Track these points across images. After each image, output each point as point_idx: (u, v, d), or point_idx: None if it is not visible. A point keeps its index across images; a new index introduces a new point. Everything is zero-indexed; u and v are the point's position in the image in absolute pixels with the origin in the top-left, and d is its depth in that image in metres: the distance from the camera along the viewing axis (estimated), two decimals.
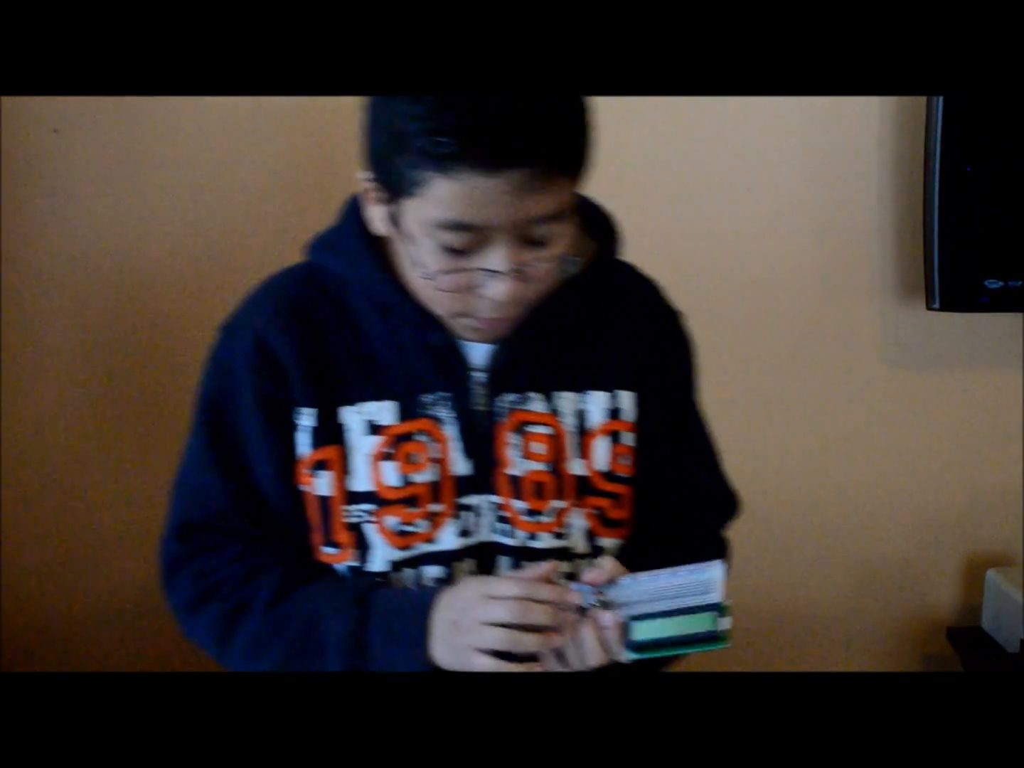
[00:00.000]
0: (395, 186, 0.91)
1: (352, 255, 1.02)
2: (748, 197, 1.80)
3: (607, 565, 0.97)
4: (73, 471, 1.74)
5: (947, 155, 1.68)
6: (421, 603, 0.96)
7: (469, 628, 0.93)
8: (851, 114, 1.79)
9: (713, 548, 1.11)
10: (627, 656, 0.94)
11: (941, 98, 1.67)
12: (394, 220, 0.95)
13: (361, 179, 0.97)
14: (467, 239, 0.90)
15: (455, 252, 0.91)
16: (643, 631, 0.94)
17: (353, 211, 1.03)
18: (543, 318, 1.01)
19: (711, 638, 0.92)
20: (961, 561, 1.96)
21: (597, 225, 1.06)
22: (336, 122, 1.68)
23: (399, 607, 0.97)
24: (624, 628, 0.94)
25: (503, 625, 0.92)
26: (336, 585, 1.02)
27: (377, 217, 0.98)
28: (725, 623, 0.92)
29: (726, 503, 1.17)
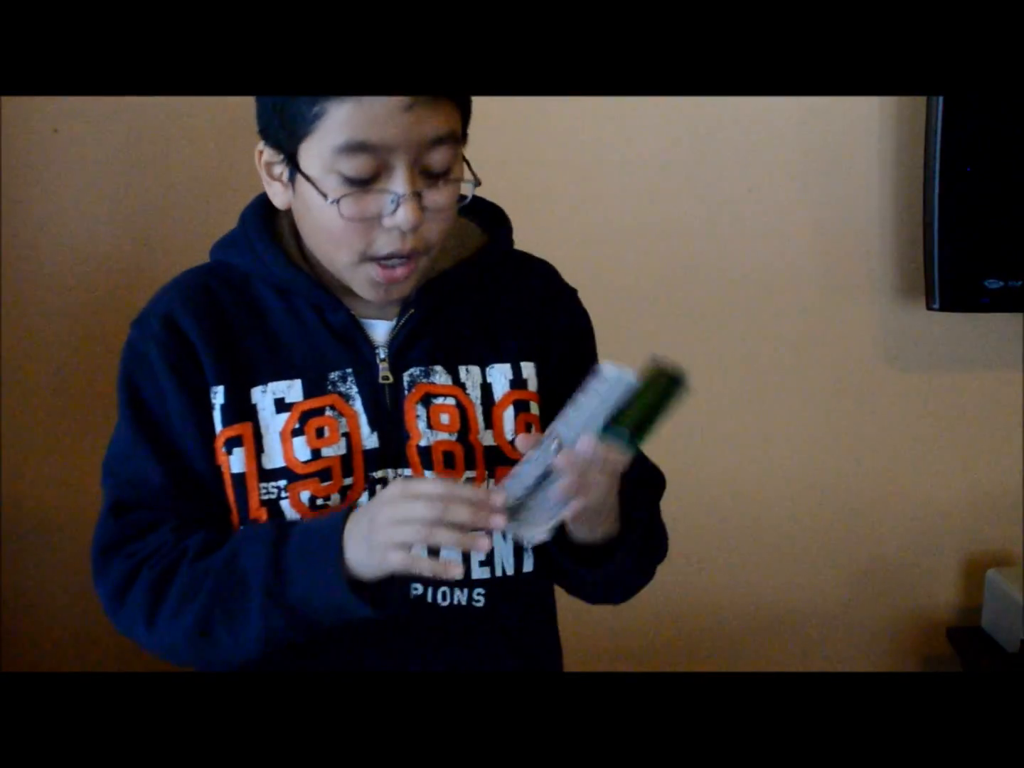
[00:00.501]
0: (292, 132, 0.96)
1: (251, 247, 1.07)
2: (748, 197, 1.80)
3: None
4: (73, 471, 1.73)
5: (947, 155, 1.68)
6: (336, 519, 0.96)
7: (385, 524, 0.92)
8: (851, 114, 1.79)
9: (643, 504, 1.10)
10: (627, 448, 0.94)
11: (941, 98, 1.67)
12: (292, 180, 0.99)
13: (258, 152, 1.03)
14: (367, 163, 0.94)
15: (357, 182, 0.95)
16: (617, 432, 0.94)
17: (249, 213, 1.10)
18: (440, 295, 1.05)
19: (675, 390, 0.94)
20: (961, 561, 1.96)
21: (487, 217, 1.11)
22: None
23: (315, 526, 0.98)
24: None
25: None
26: (256, 524, 1.02)
27: (277, 192, 1.03)
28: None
29: (653, 475, 1.17)
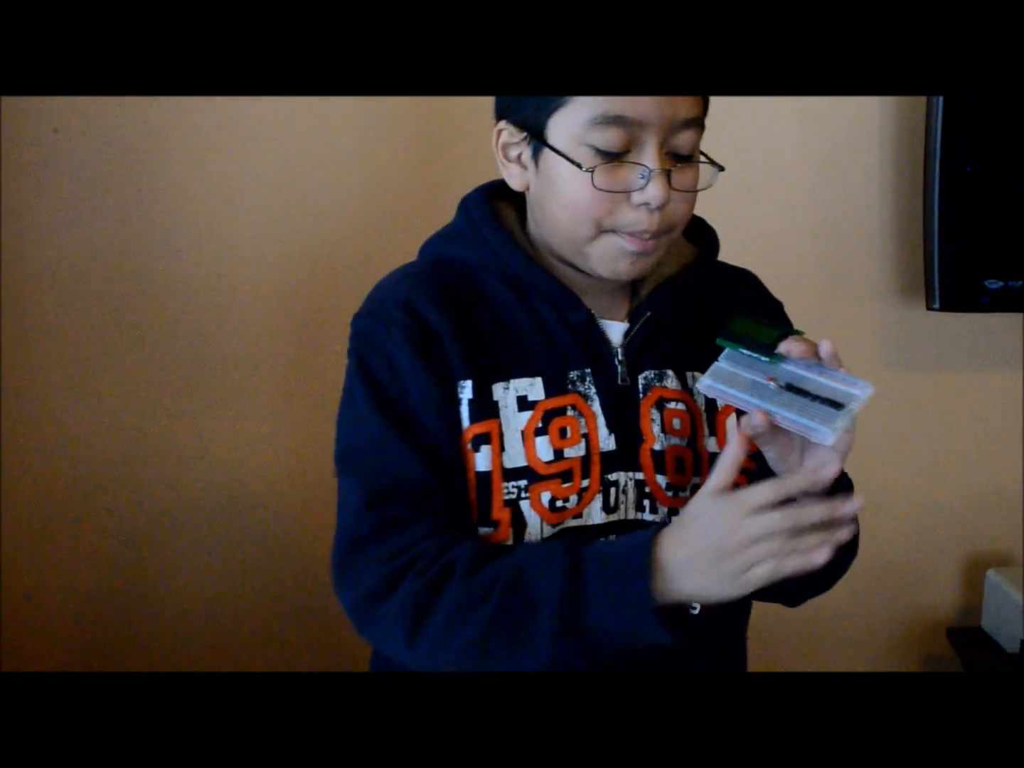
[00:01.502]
0: (542, 106, 0.97)
1: (484, 241, 1.04)
2: (748, 197, 1.80)
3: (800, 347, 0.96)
4: (73, 471, 1.73)
5: (947, 155, 1.68)
6: (639, 543, 0.92)
7: (741, 545, 0.87)
8: (851, 114, 1.79)
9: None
10: (717, 341, 0.98)
11: (941, 98, 1.67)
12: (535, 157, 0.99)
13: (496, 132, 1.02)
14: (620, 137, 0.95)
15: (608, 155, 0.95)
16: (739, 326, 0.98)
17: (472, 204, 1.07)
18: (670, 299, 1.06)
19: (767, 351, 0.95)
20: (961, 561, 1.96)
21: (695, 230, 1.11)
22: (339, 120, 1.69)
23: (614, 552, 0.93)
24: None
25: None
26: (540, 544, 0.98)
27: (514, 174, 1.02)
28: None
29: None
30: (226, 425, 1.74)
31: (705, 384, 0.97)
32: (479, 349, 1.01)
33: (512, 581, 0.93)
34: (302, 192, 1.70)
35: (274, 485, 1.76)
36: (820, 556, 0.87)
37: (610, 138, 0.95)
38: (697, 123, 0.99)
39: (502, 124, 1.02)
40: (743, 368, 0.97)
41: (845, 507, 0.88)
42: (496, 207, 1.07)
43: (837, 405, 0.93)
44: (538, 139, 0.98)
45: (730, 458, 0.92)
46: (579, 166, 0.95)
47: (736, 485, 0.92)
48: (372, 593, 0.96)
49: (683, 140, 0.98)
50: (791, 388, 0.94)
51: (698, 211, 1.81)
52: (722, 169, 1.03)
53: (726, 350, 0.98)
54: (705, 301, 1.10)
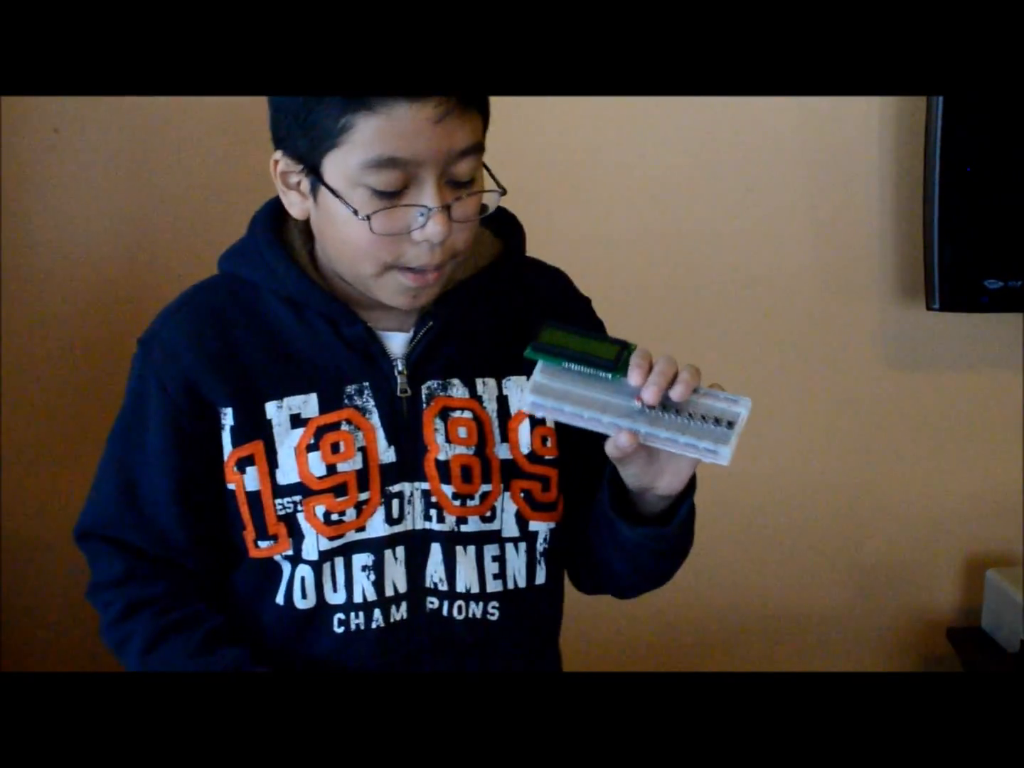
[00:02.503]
0: (316, 145, 0.95)
1: (262, 258, 1.05)
2: (748, 197, 1.80)
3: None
4: (73, 471, 1.73)
5: (947, 155, 1.68)
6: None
7: None
8: (851, 114, 1.79)
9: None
10: (528, 352, 0.95)
11: (941, 98, 1.67)
12: (314, 191, 0.98)
13: (273, 161, 1.01)
14: (396, 177, 0.93)
15: (385, 196, 0.94)
16: (549, 336, 0.95)
17: (259, 221, 1.08)
18: (458, 306, 1.04)
19: (608, 366, 0.92)
20: (961, 561, 1.96)
21: (502, 225, 1.09)
22: None
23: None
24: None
25: None
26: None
27: (294, 201, 1.01)
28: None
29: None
30: None
31: (530, 402, 0.94)
32: (246, 374, 1.03)
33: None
34: None
35: None
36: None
37: (386, 180, 0.93)
38: (476, 149, 0.96)
39: (278, 154, 1.00)
40: (575, 384, 0.93)
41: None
42: (281, 224, 1.07)
43: (720, 422, 0.92)
44: (314, 175, 0.97)
45: None
46: (355, 212, 0.94)
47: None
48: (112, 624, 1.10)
49: (462, 169, 0.96)
50: (663, 407, 0.92)
51: (699, 210, 1.80)
52: (504, 192, 1.00)
53: (540, 363, 0.95)
54: (502, 303, 1.08)
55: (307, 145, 0.96)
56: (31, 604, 1.74)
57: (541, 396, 0.94)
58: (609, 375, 0.93)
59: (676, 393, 0.92)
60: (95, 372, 1.70)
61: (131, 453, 1.06)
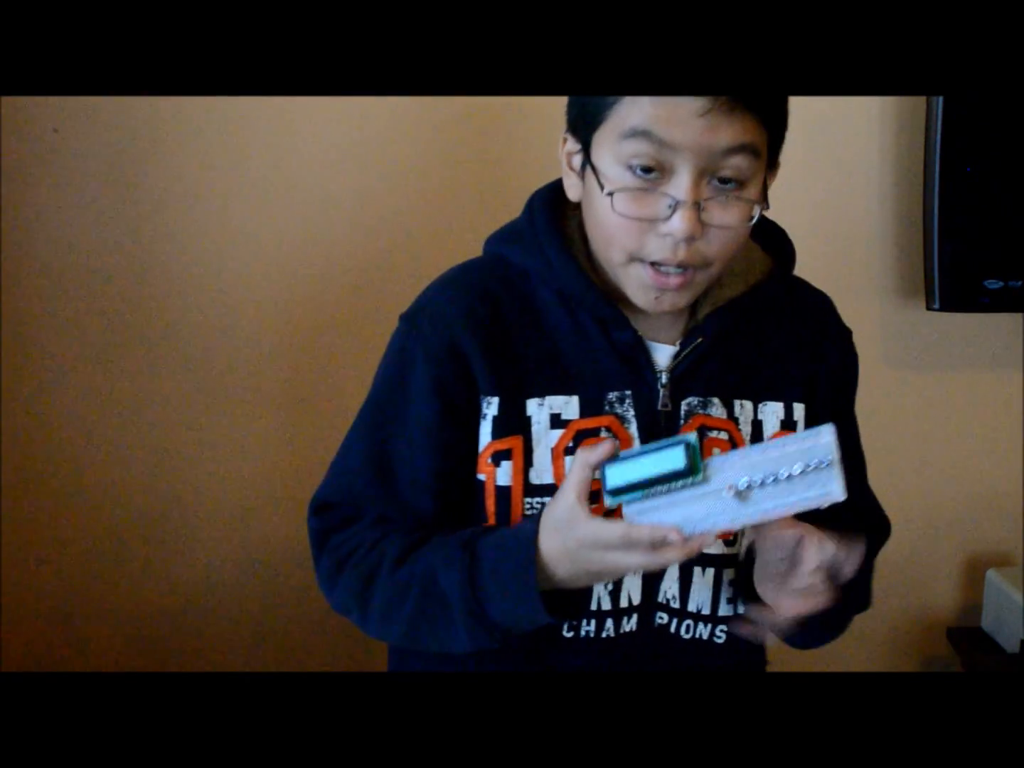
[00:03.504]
0: (588, 120, 0.94)
1: (538, 245, 1.01)
2: None
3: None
4: (74, 471, 1.73)
5: (947, 155, 1.68)
6: (526, 533, 0.92)
7: (599, 563, 0.89)
8: (851, 114, 1.79)
9: (868, 564, 1.08)
10: (608, 501, 0.90)
11: (941, 98, 1.67)
12: (583, 168, 0.96)
13: (562, 139, 1.00)
14: (652, 154, 0.91)
15: (640, 176, 0.92)
16: (616, 476, 0.89)
17: (537, 204, 1.03)
18: (728, 324, 1.02)
19: (683, 473, 0.87)
20: (961, 561, 1.96)
21: (773, 241, 1.07)
22: (341, 121, 1.69)
23: (505, 544, 0.94)
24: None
25: None
26: (446, 539, 0.98)
27: (572, 183, 1.00)
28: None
29: (880, 524, 1.19)
30: (226, 424, 1.74)
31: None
32: (514, 365, 0.99)
33: (426, 580, 0.96)
34: (303, 193, 1.70)
35: (274, 486, 1.76)
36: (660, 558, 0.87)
37: (638, 152, 0.91)
38: (746, 150, 0.92)
39: (565, 132, 1.00)
40: (665, 504, 0.88)
41: (670, 534, 0.86)
42: (560, 211, 1.03)
43: (820, 465, 0.85)
44: (586, 153, 0.96)
45: (575, 478, 0.90)
46: (602, 186, 0.93)
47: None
48: (326, 580, 1.04)
49: (728, 169, 0.92)
50: (761, 484, 0.86)
51: None
52: (767, 207, 0.97)
53: (625, 506, 0.90)
54: (768, 324, 1.06)
55: (583, 121, 0.96)
56: (31, 604, 1.74)
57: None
58: (693, 477, 0.87)
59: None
60: (95, 371, 1.71)
61: (387, 426, 1.03)
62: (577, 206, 1.01)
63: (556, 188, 1.04)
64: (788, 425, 1.05)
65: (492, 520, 1.00)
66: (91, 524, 1.74)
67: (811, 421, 1.06)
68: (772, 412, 1.05)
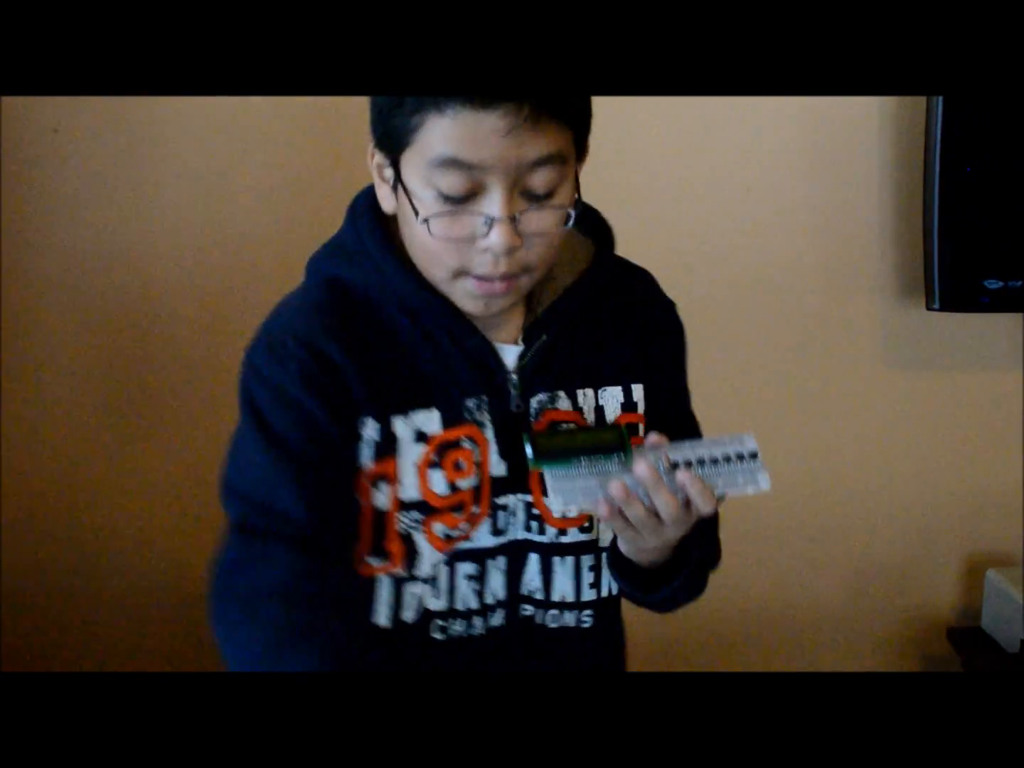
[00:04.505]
0: (396, 140, 0.93)
1: (372, 263, 1.00)
2: (748, 197, 1.80)
3: (655, 437, 0.98)
4: (74, 471, 1.74)
5: (947, 155, 1.68)
6: None
7: None
8: (851, 114, 1.79)
9: (708, 529, 1.10)
10: (531, 466, 0.97)
11: (941, 98, 1.67)
12: (395, 187, 0.95)
13: (369, 152, 0.98)
14: (463, 181, 0.90)
15: (451, 200, 0.91)
16: (543, 443, 0.97)
17: (361, 218, 1.02)
18: (569, 316, 1.02)
19: (614, 448, 0.97)
20: (961, 561, 1.96)
21: (590, 224, 1.06)
22: (342, 121, 1.69)
23: None
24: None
25: None
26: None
27: (385, 195, 0.98)
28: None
29: None
30: (225, 423, 1.74)
31: (560, 506, 0.98)
32: (381, 384, 0.98)
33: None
34: (304, 193, 1.70)
35: None
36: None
37: (451, 182, 0.90)
38: (556, 159, 0.92)
39: (373, 148, 0.97)
40: (590, 477, 0.96)
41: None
42: (383, 220, 1.01)
43: (742, 458, 0.98)
44: (395, 171, 0.95)
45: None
46: (416, 213, 0.92)
47: None
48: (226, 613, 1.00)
49: (538, 180, 0.91)
50: (684, 464, 0.96)
51: (699, 210, 1.80)
52: (579, 210, 0.96)
53: (548, 470, 0.97)
54: (600, 309, 1.06)
55: (388, 141, 0.94)
56: (31, 604, 1.74)
57: (566, 498, 0.96)
58: (622, 455, 0.96)
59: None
60: (95, 370, 1.71)
61: (292, 455, 0.97)
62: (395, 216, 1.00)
63: (374, 196, 1.01)
64: (629, 407, 1.06)
65: (367, 539, 0.99)
66: (92, 524, 1.75)
67: (650, 399, 1.07)
68: (612, 396, 1.05)
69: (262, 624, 0.94)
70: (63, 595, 1.74)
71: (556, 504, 0.98)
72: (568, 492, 0.95)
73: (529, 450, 0.96)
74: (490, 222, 0.91)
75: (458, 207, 0.92)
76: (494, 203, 0.91)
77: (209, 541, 1.78)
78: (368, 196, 1.02)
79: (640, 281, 1.12)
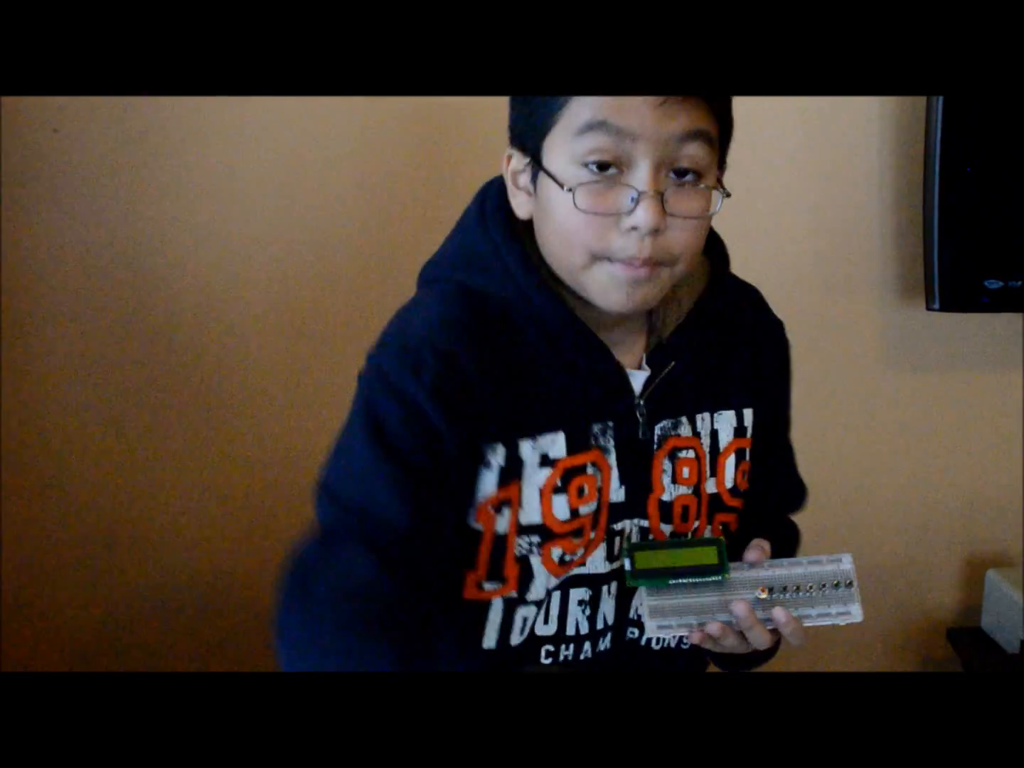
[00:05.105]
0: (537, 127, 0.92)
1: (507, 273, 0.96)
2: (748, 197, 1.80)
3: (754, 554, 0.99)
4: (74, 471, 1.73)
5: (947, 155, 1.68)
6: None
7: None
8: (851, 114, 1.79)
9: (790, 534, 1.15)
10: (628, 583, 0.98)
11: (941, 98, 1.67)
12: (534, 181, 0.94)
13: (505, 157, 0.97)
14: (606, 145, 0.89)
15: (596, 172, 0.90)
16: (642, 560, 0.97)
17: (488, 217, 0.98)
18: (693, 342, 1.01)
19: (712, 570, 0.97)
20: (961, 561, 1.96)
21: (707, 243, 1.04)
22: (341, 121, 1.69)
23: None
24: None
25: None
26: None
27: (521, 202, 0.97)
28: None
29: (800, 495, 1.20)
30: (225, 423, 1.74)
31: (656, 628, 0.97)
32: (512, 407, 0.94)
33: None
34: (304, 194, 1.70)
35: (276, 485, 1.76)
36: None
37: (596, 146, 0.88)
38: (702, 136, 0.90)
39: (510, 150, 0.96)
40: (688, 595, 0.97)
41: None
42: (517, 230, 0.98)
43: (838, 585, 1.01)
44: (535, 162, 0.93)
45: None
46: (561, 185, 0.90)
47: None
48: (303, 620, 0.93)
49: (686, 155, 0.90)
50: (783, 590, 0.99)
51: None
52: (727, 195, 0.94)
53: (644, 588, 0.98)
54: (717, 331, 1.04)
55: (531, 130, 0.93)
56: (31, 604, 1.74)
57: (663, 618, 0.96)
58: (720, 576, 0.97)
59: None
60: (96, 369, 1.71)
61: (410, 470, 0.92)
62: (527, 225, 0.98)
63: (501, 197, 0.99)
64: (740, 432, 1.05)
65: (484, 564, 0.97)
66: (92, 524, 1.74)
67: (758, 423, 1.07)
68: (726, 421, 1.05)
69: (333, 625, 0.89)
70: (63, 595, 1.74)
71: (650, 630, 0.97)
72: (663, 614, 0.96)
73: (627, 565, 0.97)
74: (637, 196, 0.89)
75: (604, 177, 0.90)
76: (641, 177, 0.89)
77: (212, 542, 1.78)
78: (497, 197, 0.99)
79: (751, 299, 1.12)
